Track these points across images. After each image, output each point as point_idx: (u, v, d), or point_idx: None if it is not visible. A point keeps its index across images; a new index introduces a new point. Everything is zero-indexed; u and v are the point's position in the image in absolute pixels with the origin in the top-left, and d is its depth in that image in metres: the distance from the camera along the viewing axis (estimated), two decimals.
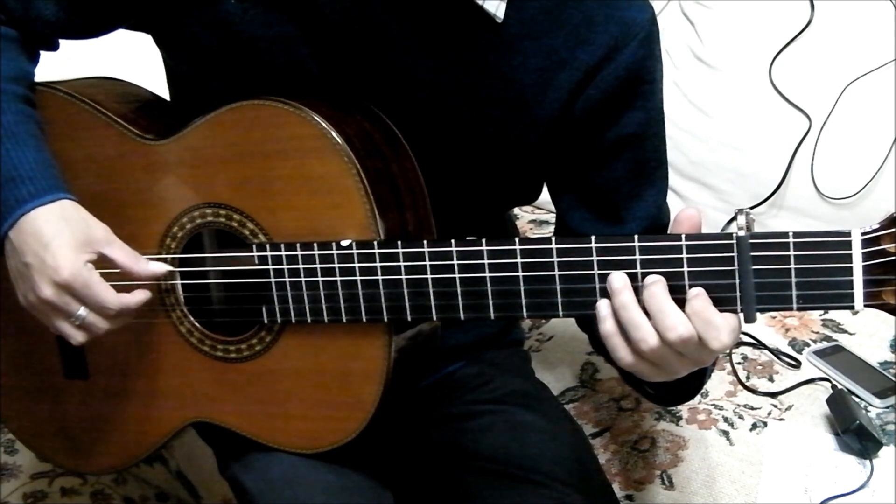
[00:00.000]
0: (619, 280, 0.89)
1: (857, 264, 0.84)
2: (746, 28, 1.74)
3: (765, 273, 0.86)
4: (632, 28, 1.02)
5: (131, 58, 1.31)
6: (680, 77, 1.78)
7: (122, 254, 1.03)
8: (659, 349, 0.87)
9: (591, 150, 1.07)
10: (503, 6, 1.00)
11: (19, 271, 1.03)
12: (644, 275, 0.88)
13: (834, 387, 1.38)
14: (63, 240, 1.00)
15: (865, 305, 0.85)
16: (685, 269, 0.87)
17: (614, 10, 1.02)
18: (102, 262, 1.03)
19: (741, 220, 0.86)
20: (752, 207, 1.68)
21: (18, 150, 1.03)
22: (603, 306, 0.90)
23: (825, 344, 1.48)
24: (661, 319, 0.86)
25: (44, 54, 1.14)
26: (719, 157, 1.73)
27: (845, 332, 1.51)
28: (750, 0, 1.73)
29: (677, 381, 0.94)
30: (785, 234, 0.85)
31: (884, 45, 1.63)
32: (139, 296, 1.04)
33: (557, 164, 1.10)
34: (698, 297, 0.87)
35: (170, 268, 1.06)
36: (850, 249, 0.84)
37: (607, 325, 0.89)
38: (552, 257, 0.91)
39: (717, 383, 1.42)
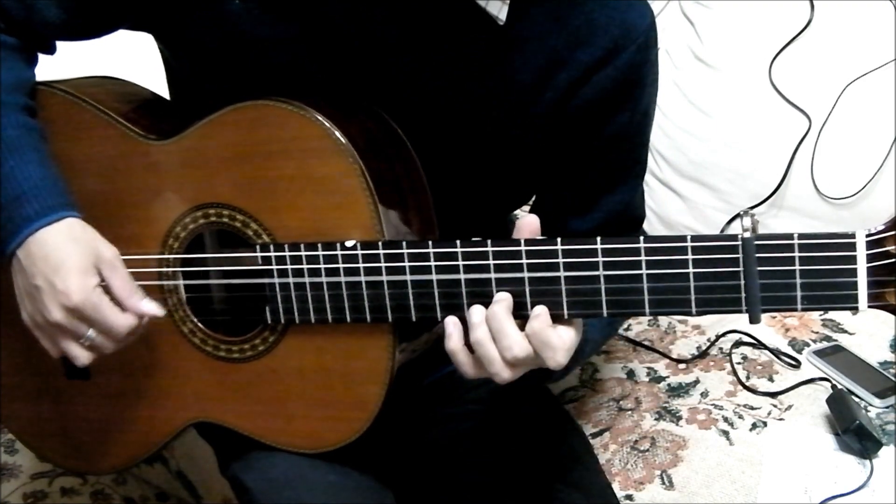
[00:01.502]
0: (477, 314, 0.93)
1: (862, 266, 0.84)
2: (746, 28, 1.74)
3: (770, 274, 0.86)
4: (632, 32, 1.03)
5: (131, 58, 1.31)
6: (680, 77, 1.78)
7: (120, 283, 1.02)
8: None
9: (577, 146, 1.08)
10: (505, 8, 1.00)
11: (28, 292, 1.03)
12: (649, 276, 0.88)
13: (834, 387, 1.38)
14: (72, 262, 1.00)
15: (869, 306, 0.85)
16: (690, 270, 0.87)
17: (615, 12, 1.03)
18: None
19: (746, 221, 0.86)
20: (752, 207, 1.68)
21: (22, 166, 1.02)
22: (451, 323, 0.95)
23: (825, 344, 1.48)
24: (500, 339, 0.92)
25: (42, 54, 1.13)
26: (719, 157, 1.73)
27: (845, 332, 1.51)
28: (750, 0, 1.73)
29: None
30: (790, 236, 0.85)
31: (884, 45, 1.63)
32: (149, 313, 1.04)
33: (546, 160, 1.10)
34: (538, 317, 0.91)
35: (161, 312, 1.05)
36: (855, 251, 0.84)
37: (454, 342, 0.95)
38: (557, 258, 0.91)
39: (717, 383, 1.42)
